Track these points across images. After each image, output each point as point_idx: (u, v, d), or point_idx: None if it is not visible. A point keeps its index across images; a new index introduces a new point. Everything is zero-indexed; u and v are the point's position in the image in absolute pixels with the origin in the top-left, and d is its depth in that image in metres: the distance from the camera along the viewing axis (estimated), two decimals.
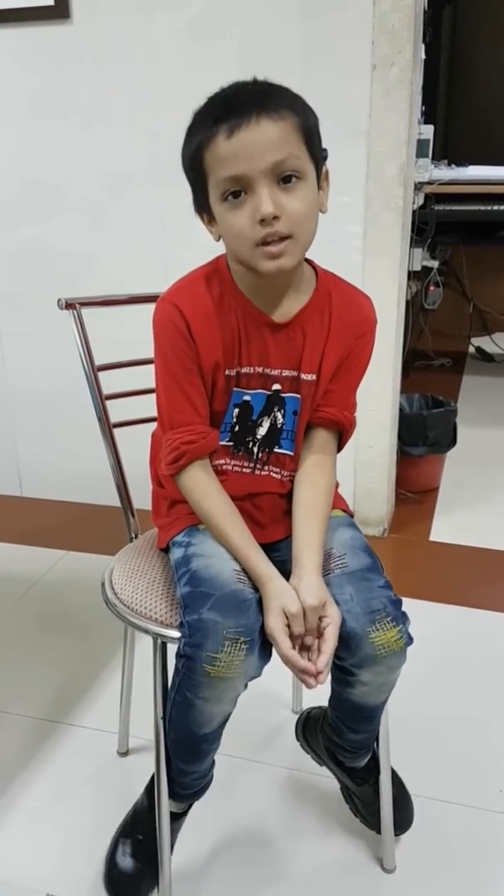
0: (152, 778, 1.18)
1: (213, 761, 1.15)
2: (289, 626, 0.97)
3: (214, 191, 0.97)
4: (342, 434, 1.16)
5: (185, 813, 1.19)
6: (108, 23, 1.99)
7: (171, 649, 1.05)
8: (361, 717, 1.13)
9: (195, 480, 1.08)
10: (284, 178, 0.95)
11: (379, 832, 1.26)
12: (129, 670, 1.43)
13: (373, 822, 1.27)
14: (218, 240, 1.04)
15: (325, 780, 1.31)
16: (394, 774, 1.28)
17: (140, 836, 1.21)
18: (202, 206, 1.02)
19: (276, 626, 0.96)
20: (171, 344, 1.06)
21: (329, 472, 1.14)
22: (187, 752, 1.10)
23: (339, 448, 1.17)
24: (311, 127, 0.98)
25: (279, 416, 1.12)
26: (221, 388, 1.08)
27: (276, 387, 1.10)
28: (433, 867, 1.26)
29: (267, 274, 0.98)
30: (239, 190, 0.95)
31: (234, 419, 1.11)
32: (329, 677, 1.09)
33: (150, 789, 1.21)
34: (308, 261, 1.10)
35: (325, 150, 1.02)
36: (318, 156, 0.99)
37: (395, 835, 1.27)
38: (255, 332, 1.07)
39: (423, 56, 2.40)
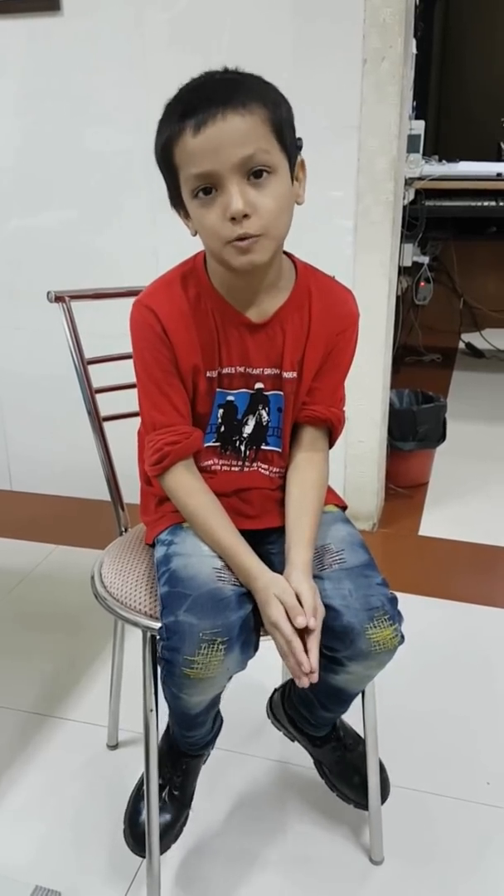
0: (166, 729, 1.23)
1: (218, 715, 1.22)
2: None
3: (185, 187, 0.96)
4: (332, 431, 1.16)
5: (201, 755, 1.25)
6: (99, 15, 1.98)
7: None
8: (338, 700, 1.15)
9: (179, 481, 1.07)
10: (255, 173, 0.93)
11: (357, 805, 1.28)
12: (119, 664, 1.43)
13: (348, 793, 1.27)
14: (195, 234, 1.03)
15: (313, 772, 1.31)
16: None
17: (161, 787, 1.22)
18: (176, 201, 1.01)
19: (277, 613, 0.95)
20: (148, 347, 1.05)
21: (320, 467, 1.14)
22: (186, 726, 1.15)
23: (331, 444, 1.17)
24: (282, 118, 0.95)
25: (264, 413, 1.11)
26: (204, 390, 1.08)
27: (259, 385, 1.10)
28: (421, 859, 1.27)
29: (240, 269, 0.97)
30: (209, 186, 0.93)
31: (220, 419, 1.11)
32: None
33: (164, 741, 1.24)
34: (288, 254, 1.09)
35: (299, 139, 1.00)
36: (290, 147, 0.97)
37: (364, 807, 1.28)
38: (234, 333, 1.06)
39: (415, 51, 2.41)
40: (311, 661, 0.94)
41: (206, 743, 1.22)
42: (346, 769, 1.27)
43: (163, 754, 1.23)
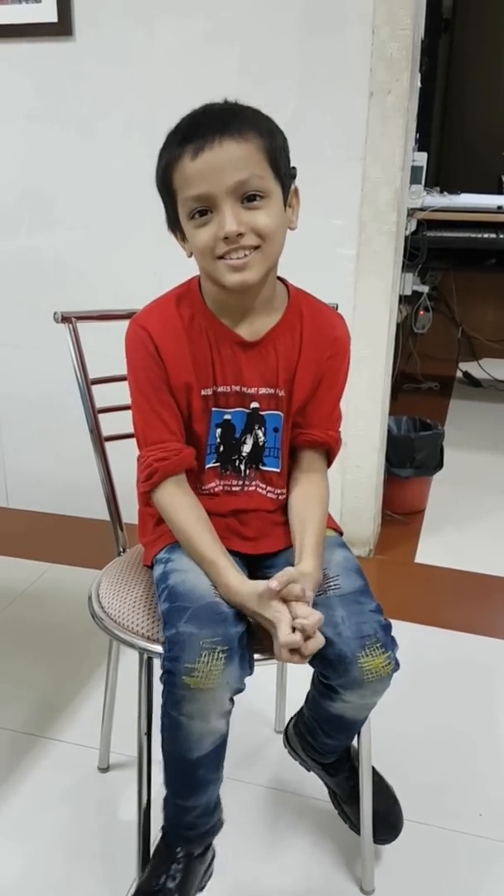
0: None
1: (219, 799, 1.10)
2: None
3: (182, 209, 1.01)
4: (329, 453, 1.18)
5: (205, 852, 1.10)
6: (110, 41, 2.01)
7: (157, 665, 1.05)
8: (338, 727, 1.14)
9: (167, 497, 1.09)
10: (249, 198, 0.98)
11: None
12: (113, 686, 1.43)
13: (359, 823, 1.25)
14: (190, 255, 1.07)
15: (306, 799, 1.30)
16: (380, 780, 1.28)
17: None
18: (174, 223, 1.06)
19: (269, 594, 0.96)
20: (141, 365, 1.08)
21: (319, 484, 1.16)
22: (183, 785, 1.05)
23: (328, 465, 1.19)
24: (277, 148, 1.01)
25: (259, 433, 1.13)
26: (199, 408, 1.10)
27: (255, 405, 1.12)
28: (412, 890, 1.26)
29: (232, 287, 1.01)
30: (205, 208, 0.98)
31: (218, 439, 1.12)
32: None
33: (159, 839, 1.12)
34: (281, 279, 1.12)
35: (293, 168, 1.04)
36: (284, 176, 1.02)
37: (383, 842, 1.27)
38: (228, 352, 1.09)
39: (419, 84, 2.44)
40: (310, 645, 0.95)
41: (210, 828, 1.09)
42: (359, 799, 1.24)
43: (156, 851, 1.10)
